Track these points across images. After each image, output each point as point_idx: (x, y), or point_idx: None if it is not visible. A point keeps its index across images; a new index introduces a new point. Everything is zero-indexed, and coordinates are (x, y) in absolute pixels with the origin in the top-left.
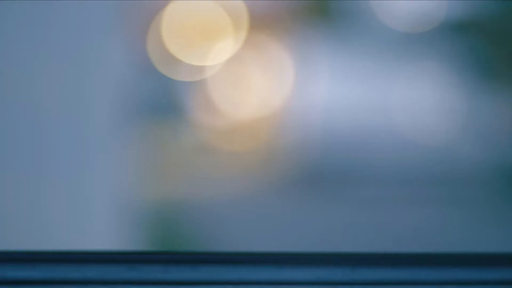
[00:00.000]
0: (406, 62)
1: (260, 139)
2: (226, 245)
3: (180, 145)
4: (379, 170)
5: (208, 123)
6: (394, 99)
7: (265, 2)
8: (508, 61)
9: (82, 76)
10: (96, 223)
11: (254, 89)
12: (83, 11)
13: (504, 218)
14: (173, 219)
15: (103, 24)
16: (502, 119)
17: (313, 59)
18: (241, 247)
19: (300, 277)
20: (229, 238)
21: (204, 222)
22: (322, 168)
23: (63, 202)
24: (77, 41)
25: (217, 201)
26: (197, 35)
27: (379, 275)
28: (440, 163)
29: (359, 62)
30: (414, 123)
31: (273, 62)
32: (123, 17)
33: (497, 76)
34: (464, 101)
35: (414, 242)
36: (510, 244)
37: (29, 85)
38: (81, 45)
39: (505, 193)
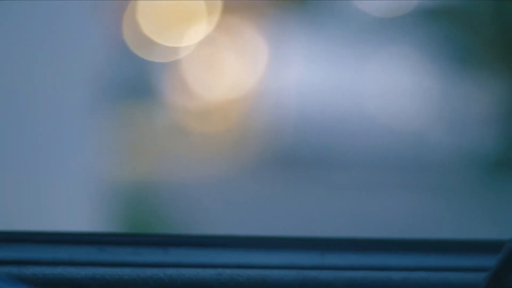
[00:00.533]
0: (380, 47)
1: (233, 121)
2: (198, 227)
3: (154, 126)
4: (352, 154)
5: (182, 104)
6: (368, 84)
7: None
8: (483, 47)
9: (58, 57)
10: (68, 203)
11: (228, 71)
12: None
13: (477, 204)
14: (146, 200)
15: (79, 7)
16: (476, 105)
17: (287, 43)
18: (213, 229)
19: (270, 261)
20: (201, 220)
21: (177, 203)
22: (295, 151)
23: (36, 182)
24: (53, 24)
25: (190, 182)
26: (172, 17)
27: (348, 261)
28: (413, 148)
29: (333, 47)
30: (388, 108)
31: (247, 45)
32: (99, 0)
33: (472, 62)
34: (438, 87)
35: (386, 226)
36: (483, 230)
37: (6, 66)
38: (57, 28)
39: (478, 179)
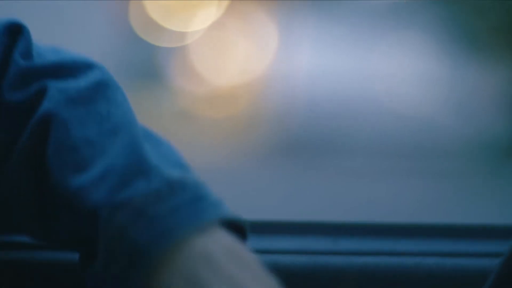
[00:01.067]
0: (388, 31)
1: (241, 107)
2: None
3: (162, 111)
4: (360, 141)
5: (190, 89)
6: (376, 69)
7: None
8: (492, 32)
9: (65, 41)
10: None
11: (236, 56)
12: None
13: (487, 190)
14: None
15: None
16: (484, 90)
17: (295, 28)
18: None
19: (281, 246)
20: None
21: None
22: (303, 137)
23: None
24: (62, 10)
25: (197, 167)
26: (180, 2)
27: (361, 245)
28: (421, 134)
29: (342, 31)
30: (397, 93)
31: (255, 30)
32: None
33: (480, 47)
34: (447, 72)
35: (395, 213)
36: (492, 216)
37: None
38: (65, 14)
39: (487, 165)
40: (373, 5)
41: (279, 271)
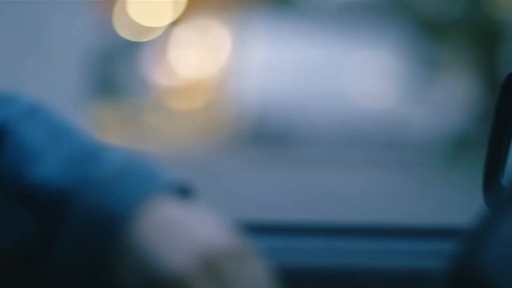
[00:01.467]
0: (350, 28)
1: (204, 101)
2: None
3: (129, 103)
4: (321, 133)
5: (157, 82)
6: (338, 64)
7: None
8: (453, 30)
9: (38, 31)
10: None
11: (202, 51)
12: None
13: (441, 182)
14: None
15: None
16: (446, 87)
17: (258, 26)
18: None
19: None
20: None
21: None
22: (267, 129)
23: None
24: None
25: (164, 158)
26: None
27: (312, 245)
28: (382, 127)
29: (303, 27)
30: (357, 87)
31: (221, 27)
32: None
33: (444, 44)
34: (409, 68)
35: (354, 204)
36: (448, 212)
37: None
38: (42, 10)
39: (446, 159)
40: (330, 4)
41: None
